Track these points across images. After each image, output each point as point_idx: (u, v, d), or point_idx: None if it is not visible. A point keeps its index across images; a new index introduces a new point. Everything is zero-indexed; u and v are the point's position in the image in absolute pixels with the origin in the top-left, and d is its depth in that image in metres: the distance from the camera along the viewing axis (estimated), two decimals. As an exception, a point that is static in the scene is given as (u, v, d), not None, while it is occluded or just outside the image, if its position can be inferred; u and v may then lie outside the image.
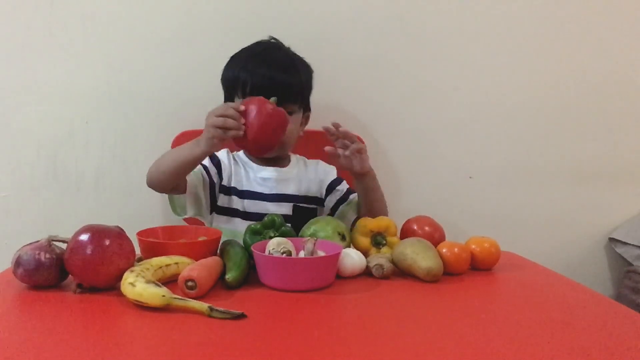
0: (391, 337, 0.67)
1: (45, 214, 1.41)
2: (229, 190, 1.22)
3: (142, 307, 0.73)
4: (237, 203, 1.20)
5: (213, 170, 1.21)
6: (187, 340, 0.64)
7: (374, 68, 1.48)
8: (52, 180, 1.41)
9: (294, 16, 1.42)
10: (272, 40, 1.26)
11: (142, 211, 1.43)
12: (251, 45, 1.24)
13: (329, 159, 1.10)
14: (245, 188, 1.22)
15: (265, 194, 1.21)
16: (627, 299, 1.48)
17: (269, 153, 1.13)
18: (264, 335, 0.67)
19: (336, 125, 1.05)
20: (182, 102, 1.43)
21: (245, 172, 1.23)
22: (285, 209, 1.21)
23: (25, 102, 1.38)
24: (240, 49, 1.23)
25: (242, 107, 1.00)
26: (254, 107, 1.01)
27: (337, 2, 1.45)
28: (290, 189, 1.23)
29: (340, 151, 1.07)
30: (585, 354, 0.63)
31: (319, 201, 1.27)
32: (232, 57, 1.23)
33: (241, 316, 0.70)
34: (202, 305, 0.72)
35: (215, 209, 1.21)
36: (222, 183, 1.22)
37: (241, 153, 1.27)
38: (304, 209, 1.24)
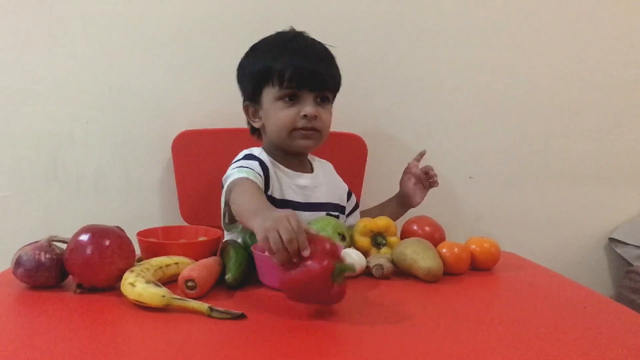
0: (391, 337, 0.67)
1: (45, 214, 1.41)
2: (272, 201, 1.10)
3: (142, 307, 0.73)
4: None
5: (263, 181, 1.08)
6: (187, 340, 0.64)
7: (373, 68, 1.48)
8: (52, 180, 1.41)
9: (294, 16, 1.42)
10: (294, 30, 1.18)
11: (142, 211, 1.43)
12: (271, 35, 1.16)
13: (406, 172, 1.20)
14: (282, 197, 1.12)
15: (301, 202, 1.13)
16: (627, 299, 1.48)
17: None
18: (264, 335, 0.67)
19: (422, 153, 1.08)
20: (182, 102, 1.43)
21: (278, 178, 1.13)
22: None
23: (25, 102, 1.38)
24: (259, 41, 1.17)
25: (307, 253, 0.72)
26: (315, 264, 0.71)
27: (337, 2, 1.45)
28: (322, 197, 1.17)
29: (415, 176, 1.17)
30: (585, 354, 0.63)
31: (341, 209, 1.22)
32: (257, 48, 1.15)
33: (241, 316, 0.70)
34: (202, 305, 0.72)
35: None
36: (268, 193, 1.10)
37: (265, 154, 1.15)
38: (334, 217, 1.18)
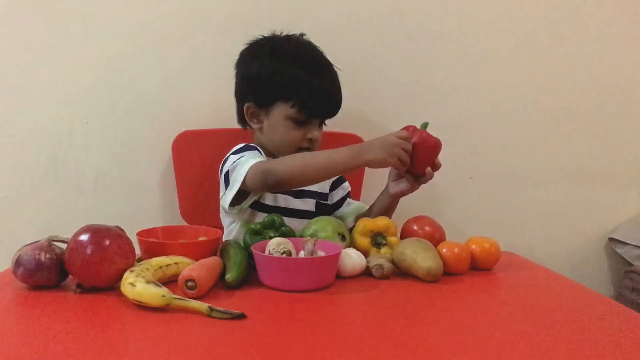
0: (391, 337, 0.67)
1: (45, 214, 1.41)
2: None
3: (142, 307, 0.73)
4: (269, 198, 1.18)
5: None
6: (187, 340, 0.64)
7: (373, 68, 1.48)
8: (52, 180, 1.41)
9: (294, 16, 1.42)
10: (306, 40, 1.22)
11: (142, 211, 1.43)
12: (288, 42, 1.19)
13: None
14: None
15: (292, 190, 1.19)
16: (627, 299, 1.48)
17: None
18: (264, 335, 0.67)
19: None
20: (182, 102, 1.43)
21: None
22: (309, 205, 1.21)
23: (25, 102, 1.38)
24: (276, 44, 1.18)
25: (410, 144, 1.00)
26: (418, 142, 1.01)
27: (337, 1, 1.45)
28: (312, 186, 1.22)
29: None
30: (585, 354, 0.63)
31: (324, 196, 1.27)
32: (276, 56, 1.16)
33: (241, 316, 0.70)
34: (202, 305, 0.72)
35: (256, 205, 1.18)
36: None
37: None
38: (324, 205, 1.25)
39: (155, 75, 1.41)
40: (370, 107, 1.50)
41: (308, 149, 1.17)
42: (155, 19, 1.40)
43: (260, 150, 1.16)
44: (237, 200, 1.09)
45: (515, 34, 1.52)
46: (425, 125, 1.03)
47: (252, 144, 1.17)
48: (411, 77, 1.50)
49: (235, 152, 1.14)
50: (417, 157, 1.01)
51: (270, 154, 1.19)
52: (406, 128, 1.02)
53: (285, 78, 1.14)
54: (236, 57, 1.23)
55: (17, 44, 1.36)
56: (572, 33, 1.54)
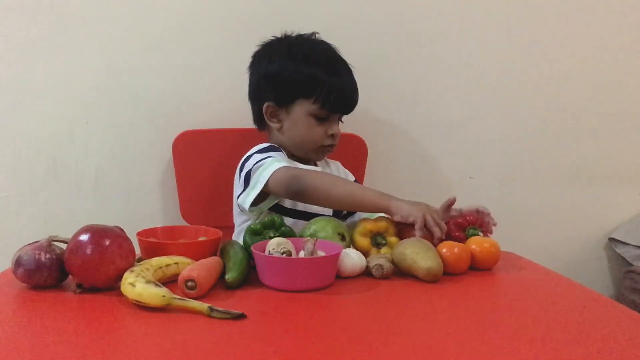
0: (391, 337, 0.67)
1: (45, 214, 1.41)
2: None
3: (142, 307, 0.73)
4: (288, 201, 1.16)
5: None
6: (187, 340, 0.64)
7: (373, 68, 1.48)
8: (52, 180, 1.41)
9: (294, 16, 1.42)
10: (320, 39, 1.23)
11: (142, 211, 1.43)
12: (304, 41, 1.20)
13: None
14: None
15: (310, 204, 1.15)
16: (627, 299, 1.48)
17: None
18: (264, 335, 0.67)
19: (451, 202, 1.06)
20: (182, 102, 1.43)
21: None
22: (327, 210, 1.18)
23: (25, 102, 1.38)
24: (294, 43, 1.20)
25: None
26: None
27: (337, 1, 1.45)
28: None
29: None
30: (585, 354, 0.63)
31: None
32: (294, 55, 1.17)
33: (241, 316, 0.70)
34: (202, 305, 0.72)
35: (274, 206, 1.17)
36: None
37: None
38: (341, 211, 1.24)
39: (155, 75, 1.41)
40: (370, 107, 1.49)
41: (330, 146, 1.18)
42: (155, 19, 1.40)
43: (284, 151, 1.16)
44: (255, 201, 1.09)
45: (515, 33, 1.52)
46: (473, 230, 1.03)
47: (275, 145, 1.17)
48: (411, 77, 1.50)
49: (259, 152, 1.13)
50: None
51: (291, 154, 1.19)
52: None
53: (306, 76, 1.15)
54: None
55: (17, 44, 1.36)
56: (572, 33, 1.54)
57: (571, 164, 1.58)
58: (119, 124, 1.42)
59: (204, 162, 1.38)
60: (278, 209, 1.16)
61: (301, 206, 1.17)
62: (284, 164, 1.08)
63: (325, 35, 1.24)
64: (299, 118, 1.16)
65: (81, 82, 1.39)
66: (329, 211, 1.19)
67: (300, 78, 1.15)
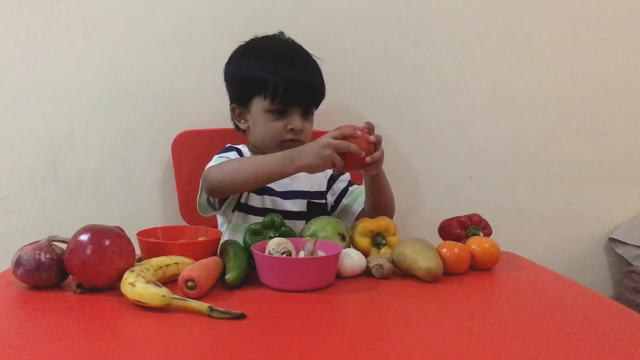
0: (391, 337, 0.67)
1: (45, 214, 1.41)
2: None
3: (142, 307, 0.73)
4: (255, 200, 1.18)
5: None
6: (187, 340, 0.64)
7: (373, 68, 1.48)
8: (52, 180, 1.41)
9: (293, 16, 1.42)
10: (285, 37, 1.24)
11: (142, 211, 1.43)
12: (263, 40, 1.21)
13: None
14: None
15: (279, 191, 1.18)
16: (627, 299, 1.48)
17: None
18: (264, 335, 0.67)
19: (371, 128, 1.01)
20: (182, 102, 1.43)
21: None
22: (300, 205, 1.20)
23: (25, 102, 1.38)
24: (251, 43, 1.21)
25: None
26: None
27: (337, 1, 1.45)
28: (302, 185, 1.21)
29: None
30: (585, 354, 0.63)
31: (320, 195, 1.25)
32: (248, 54, 1.19)
33: (241, 316, 0.70)
34: (202, 305, 0.72)
35: (238, 206, 1.19)
36: None
37: (248, 149, 1.23)
38: (317, 205, 1.23)
39: (155, 75, 1.41)
40: (370, 107, 1.50)
41: (293, 141, 1.15)
42: (155, 19, 1.40)
43: (242, 150, 1.19)
44: (222, 202, 1.14)
45: (515, 34, 1.52)
46: (475, 229, 1.05)
47: (235, 145, 1.20)
48: (411, 77, 1.50)
49: (218, 153, 1.17)
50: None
51: (261, 151, 1.19)
52: (341, 128, 0.98)
53: (254, 73, 1.15)
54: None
55: (17, 44, 1.36)
56: (572, 33, 1.54)
57: (571, 164, 1.58)
58: (119, 124, 1.42)
59: (203, 162, 1.37)
60: (246, 209, 1.18)
61: (270, 204, 1.18)
62: (213, 164, 1.12)
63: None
64: (257, 116, 1.17)
65: (81, 82, 1.39)
66: (302, 206, 1.20)
67: (249, 76, 1.16)
